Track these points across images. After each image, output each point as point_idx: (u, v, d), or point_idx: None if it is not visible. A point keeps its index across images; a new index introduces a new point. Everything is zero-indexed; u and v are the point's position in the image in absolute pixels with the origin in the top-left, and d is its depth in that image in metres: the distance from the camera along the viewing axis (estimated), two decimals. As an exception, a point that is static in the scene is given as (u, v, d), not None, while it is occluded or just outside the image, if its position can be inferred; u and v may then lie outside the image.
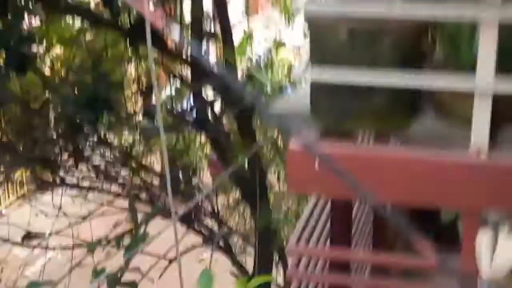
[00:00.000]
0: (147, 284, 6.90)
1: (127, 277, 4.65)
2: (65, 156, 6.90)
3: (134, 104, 7.64)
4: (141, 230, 4.75)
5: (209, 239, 7.86)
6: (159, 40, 5.92)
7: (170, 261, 7.82)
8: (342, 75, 2.45)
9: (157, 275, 7.27)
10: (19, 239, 7.22)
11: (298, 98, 2.72)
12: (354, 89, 2.48)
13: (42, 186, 7.58)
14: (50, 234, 7.17)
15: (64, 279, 5.09)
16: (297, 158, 2.59)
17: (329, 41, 2.49)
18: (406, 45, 2.48)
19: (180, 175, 8.88)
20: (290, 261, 2.87)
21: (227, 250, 8.14)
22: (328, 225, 3.03)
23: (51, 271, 7.30)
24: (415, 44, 2.52)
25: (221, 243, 8.15)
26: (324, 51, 2.52)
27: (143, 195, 7.47)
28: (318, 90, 2.59)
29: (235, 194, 8.99)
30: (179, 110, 7.35)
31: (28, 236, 6.97)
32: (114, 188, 7.50)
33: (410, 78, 2.43)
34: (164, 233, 4.74)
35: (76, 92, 6.07)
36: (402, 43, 2.46)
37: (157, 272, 7.08)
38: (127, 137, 7.74)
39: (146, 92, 7.07)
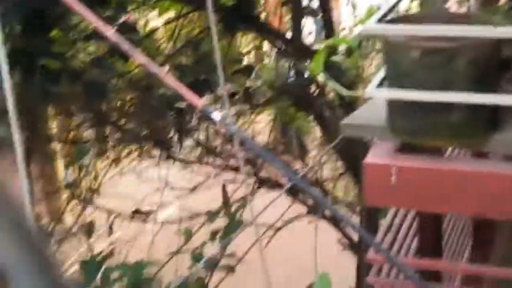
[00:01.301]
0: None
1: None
2: (171, 132, 7.14)
3: (234, 84, 7.76)
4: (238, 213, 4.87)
5: (314, 209, 7.93)
6: (255, 19, 5.98)
7: (278, 229, 7.99)
8: (417, 94, 2.44)
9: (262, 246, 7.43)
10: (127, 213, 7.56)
11: (375, 109, 2.72)
12: (430, 105, 2.47)
13: (149, 160, 7.87)
14: (158, 208, 7.45)
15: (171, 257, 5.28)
16: (374, 171, 2.62)
17: (403, 59, 2.47)
18: (483, 61, 2.43)
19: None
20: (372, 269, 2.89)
21: (333, 220, 8.18)
22: (411, 234, 3.04)
23: (159, 246, 7.62)
24: (491, 60, 2.46)
25: (327, 214, 8.19)
26: (398, 68, 2.51)
27: (246, 168, 7.61)
28: (394, 105, 2.59)
29: (339, 166, 9.02)
30: (281, 85, 7.42)
31: (138, 211, 7.27)
32: (219, 162, 7.70)
33: (487, 96, 2.39)
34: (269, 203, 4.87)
35: (178, 73, 6.23)
36: (479, 59, 2.42)
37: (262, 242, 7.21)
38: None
39: (244, 71, 7.17)
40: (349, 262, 8.13)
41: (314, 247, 7.42)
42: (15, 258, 0.80)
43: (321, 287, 2.64)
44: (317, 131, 9.63)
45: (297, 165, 8.89)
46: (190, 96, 1.84)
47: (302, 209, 8.10)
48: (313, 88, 7.42)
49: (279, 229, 7.72)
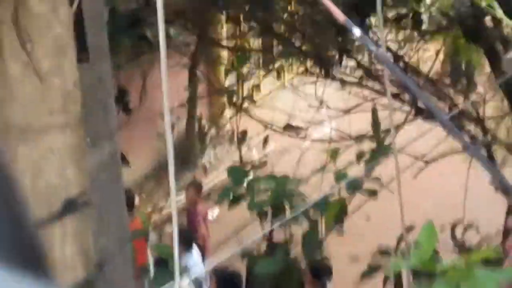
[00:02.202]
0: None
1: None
2: (332, 51, 7.06)
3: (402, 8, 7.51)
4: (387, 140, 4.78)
5: (470, 146, 7.65)
6: None
7: (429, 161, 7.82)
8: None
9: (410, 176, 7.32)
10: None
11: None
12: None
13: (308, 76, 7.86)
14: (312, 125, 7.47)
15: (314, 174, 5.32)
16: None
17: None
18: None
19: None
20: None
21: (489, 159, 7.87)
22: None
23: (307, 163, 7.69)
24: None
25: (483, 152, 7.89)
26: None
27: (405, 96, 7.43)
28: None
29: (505, 105, 8.60)
30: (454, 14, 7.09)
31: (290, 126, 7.33)
32: (378, 87, 7.55)
33: None
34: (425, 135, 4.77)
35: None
36: None
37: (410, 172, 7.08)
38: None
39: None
40: (501, 205, 7.86)
41: (465, 185, 7.22)
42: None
43: (425, 236, 2.55)
44: (486, 67, 9.20)
45: (460, 99, 8.58)
46: (336, 11, 1.77)
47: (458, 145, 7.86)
48: (487, 20, 7.05)
49: (431, 161, 7.53)
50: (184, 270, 4.73)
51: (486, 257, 2.71)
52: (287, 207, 4.64)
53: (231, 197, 5.14)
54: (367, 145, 5.32)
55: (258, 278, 4.79)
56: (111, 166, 3.25)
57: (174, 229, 1.49)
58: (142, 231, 7.03)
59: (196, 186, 9.24)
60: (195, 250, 7.81)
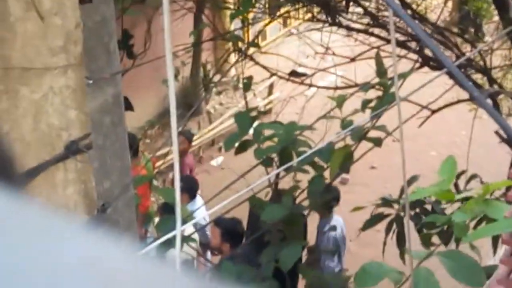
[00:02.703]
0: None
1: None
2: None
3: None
4: (392, 88, 4.71)
5: (475, 94, 7.58)
6: None
7: (433, 112, 7.76)
8: None
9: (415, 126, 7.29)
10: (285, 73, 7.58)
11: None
12: None
13: (314, 23, 7.76)
14: (317, 73, 7.41)
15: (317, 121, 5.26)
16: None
17: None
18: None
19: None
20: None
21: (494, 109, 7.83)
22: None
23: (313, 110, 7.64)
24: None
25: (489, 102, 7.83)
26: None
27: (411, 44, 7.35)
28: None
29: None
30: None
31: (295, 72, 7.27)
32: (384, 34, 7.46)
33: None
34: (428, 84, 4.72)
35: None
36: None
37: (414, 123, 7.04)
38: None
39: None
40: (506, 156, 7.83)
41: (470, 134, 7.19)
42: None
43: (445, 168, 2.54)
44: (495, 15, 9.09)
45: (468, 48, 8.49)
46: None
47: (465, 94, 7.80)
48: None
49: (436, 111, 7.47)
50: (188, 217, 4.73)
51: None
52: (293, 153, 4.62)
53: (237, 144, 5.12)
54: (374, 93, 5.26)
55: (263, 224, 4.80)
56: (114, 109, 3.22)
57: (175, 176, 1.46)
58: (146, 177, 7.03)
59: (186, 136, 9.06)
60: (199, 198, 7.83)
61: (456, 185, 6.35)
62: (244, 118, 5.14)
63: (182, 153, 8.79)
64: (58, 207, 2.51)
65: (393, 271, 2.98)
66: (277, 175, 4.27)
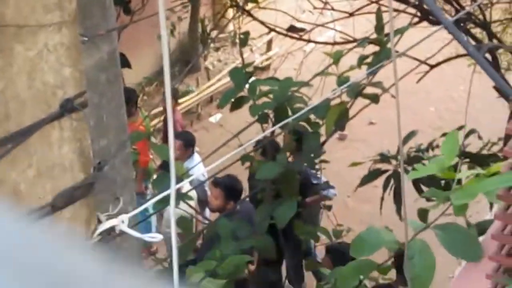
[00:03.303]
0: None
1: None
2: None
3: None
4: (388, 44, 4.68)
5: (471, 49, 7.53)
6: None
7: (431, 67, 7.73)
8: None
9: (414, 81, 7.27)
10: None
11: None
12: None
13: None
14: (316, 28, 7.34)
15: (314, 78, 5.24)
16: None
17: None
18: None
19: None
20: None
21: (494, 64, 7.78)
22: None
23: (311, 66, 7.60)
24: None
25: (488, 57, 7.78)
26: None
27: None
28: None
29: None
30: None
31: (294, 28, 7.21)
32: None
33: None
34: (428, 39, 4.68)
35: None
36: None
37: (412, 78, 7.01)
38: None
39: None
40: (504, 111, 7.83)
41: (469, 89, 7.16)
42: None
43: (447, 145, 2.53)
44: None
45: (467, 2, 8.40)
46: None
47: (463, 49, 7.75)
48: None
49: (434, 66, 7.43)
50: (184, 175, 4.75)
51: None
52: (288, 110, 4.61)
53: (232, 100, 5.10)
54: (373, 48, 5.23)
55: (259, 182, 4.82)
56: (110, 66, 3.20)
57: (169, 134, 1.46)
58: (143, 133, 7.03)
59: (172, 94, 8.97)
60: (197, 155, 7.83)
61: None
62: (239, 74, 5.11)
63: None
64: (54, 165, 2.51)
65: (390, 241, 2.98)
66: (273, 132, 4.26)
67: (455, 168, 2.68)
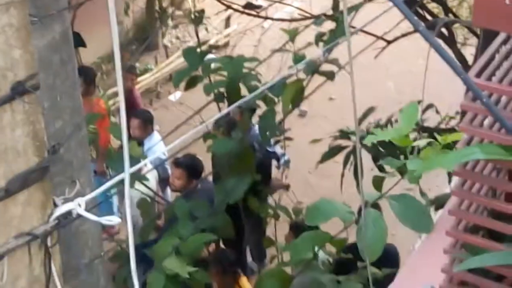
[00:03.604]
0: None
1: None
2: None
3: None
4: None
5: (431, 25, 7.56)
6: None
7: (389, 42, 7.76)
8: None
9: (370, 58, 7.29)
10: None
11: None
12: None
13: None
14: (271, 4, 7.30)
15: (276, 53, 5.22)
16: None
17: None
18: None
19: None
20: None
21: (449, 39, 7.83)
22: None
23: (267, 42, 7.59)
24: None
25: (444, 31, 7.83)
26: None
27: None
28: None
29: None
30: None
31: (251, 5, 7.17)
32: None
33: None
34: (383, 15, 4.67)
35: None
36: None
37: (371, 54, 7.03)
38: None
39: None
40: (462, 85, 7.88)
41: (426, 65, 7.20)
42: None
43: (406, 114, 2.55)
44: None
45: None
46: None
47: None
48: None
49: (391, 41, 7.46)
50: (144, 154, 4.72)
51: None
52: (244, 89, 4.59)
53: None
54: (330, 25, 5.21)
55: (217, 159, 4.81)
56: (63, 46, 3.13)
57: (121, 114, 1.43)
58: (99, 114, 6.96)
59: (130, 71, 8.82)
60: (156, 133, 7.78)
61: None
62: (193, 53, 5.07)
63: (128, 90, 8.54)
64: (7, 149, 2.46)
65: (344, 210, 3.01)
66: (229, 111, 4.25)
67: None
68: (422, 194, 3.16)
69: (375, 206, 3.00)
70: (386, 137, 2.88)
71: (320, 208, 3.07)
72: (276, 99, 4.78)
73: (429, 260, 2.98)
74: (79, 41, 8.14)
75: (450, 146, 2.90)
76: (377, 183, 3.11)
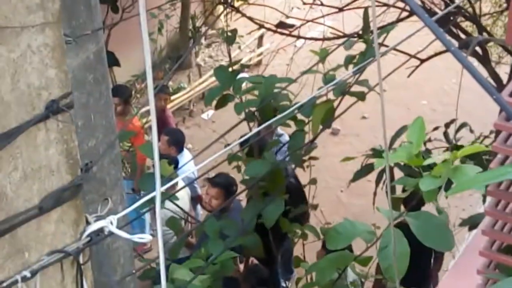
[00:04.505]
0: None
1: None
2: None
3: None
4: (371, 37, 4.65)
5: (465, 44, 7.52)
6: None
7: (422, 61, 7.72)
8: None
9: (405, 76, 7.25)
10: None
11: None
12: None
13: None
14: (306, 24, 7.32)
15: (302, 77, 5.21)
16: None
17: None
18: None
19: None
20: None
21: (484, 58, 7.78)
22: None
23: (300, 61, 7.60)
24: None
25: (478, 50, 7.79)
26: None
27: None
28: None
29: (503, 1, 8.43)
30: None
31: (284, 24, 7.19)
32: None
33: None
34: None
35: None
36: None
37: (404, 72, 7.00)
38: None
39: None
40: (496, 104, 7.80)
41: (460, 82, 7.15)
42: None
43: (414, 131, 2.52)
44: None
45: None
46: None
47: (455, 42, 7.74)
48: None
49: (424, 60, 7.43)
50: (175, 172, 4.74)
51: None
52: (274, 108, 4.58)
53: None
54: (361, 46, 5.20)
55: (248, 180, 4.80)
56: (97, 66, 3.17)
57: (153, 133, 1.44)
58: (132, 132, 7.00)
59: (163, 91, 8.81)
60: (187, 151, 7.80)
61: (445, 134, 6.36)
62: (224, 72, 5.08)
63: (161, 111, 8.57)
64: (41, 167, 2.49)
65: (365, 231, 2.99)
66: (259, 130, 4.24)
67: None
68: (439, 212, 3.13)
69: (401, 225, 2.97)
70: (398, 159, 2.84)
71: (341, 231, 3.05)
72: (306, 120, 4.76)
73: (462, 281, 2.95)
74: (113, 60, 8.23)
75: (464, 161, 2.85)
76: (395, 203, 3.08)
